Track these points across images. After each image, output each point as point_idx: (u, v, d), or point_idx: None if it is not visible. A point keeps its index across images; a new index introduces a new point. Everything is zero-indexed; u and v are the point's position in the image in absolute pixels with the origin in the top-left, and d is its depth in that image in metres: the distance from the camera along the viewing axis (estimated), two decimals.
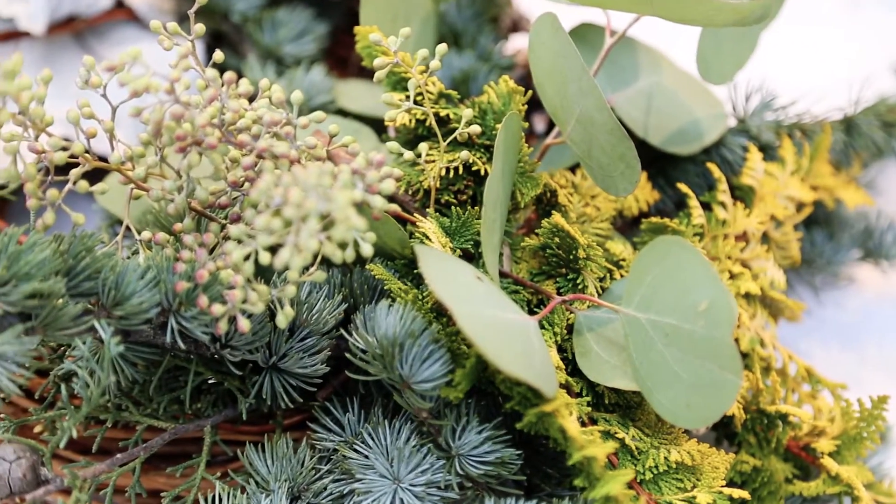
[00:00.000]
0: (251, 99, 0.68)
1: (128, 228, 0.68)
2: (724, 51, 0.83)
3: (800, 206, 0.90)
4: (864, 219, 0.98)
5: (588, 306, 0.73)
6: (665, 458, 0.69)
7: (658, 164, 0.88)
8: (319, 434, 0.73)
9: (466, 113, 0.74)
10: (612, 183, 0.74)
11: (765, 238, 0.87)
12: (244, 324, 0.63)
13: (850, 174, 0.96)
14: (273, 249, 0.62)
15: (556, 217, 0.73)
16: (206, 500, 0.69)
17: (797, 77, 1.04)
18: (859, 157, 0.96)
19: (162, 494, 0.71)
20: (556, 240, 0.74)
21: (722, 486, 0.69)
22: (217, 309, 0.63)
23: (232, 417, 0.74)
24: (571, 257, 0.74)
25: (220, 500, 0.69)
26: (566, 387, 0.70)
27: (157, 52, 0.73)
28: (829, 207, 0.92)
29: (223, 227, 0.68)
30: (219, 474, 0.74)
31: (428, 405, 0.67)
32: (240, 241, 0.63)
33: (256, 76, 0.95)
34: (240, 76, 0.95)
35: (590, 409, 0.69)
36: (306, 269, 0.66)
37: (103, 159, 0.67)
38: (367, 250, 0.61)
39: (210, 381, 0.73)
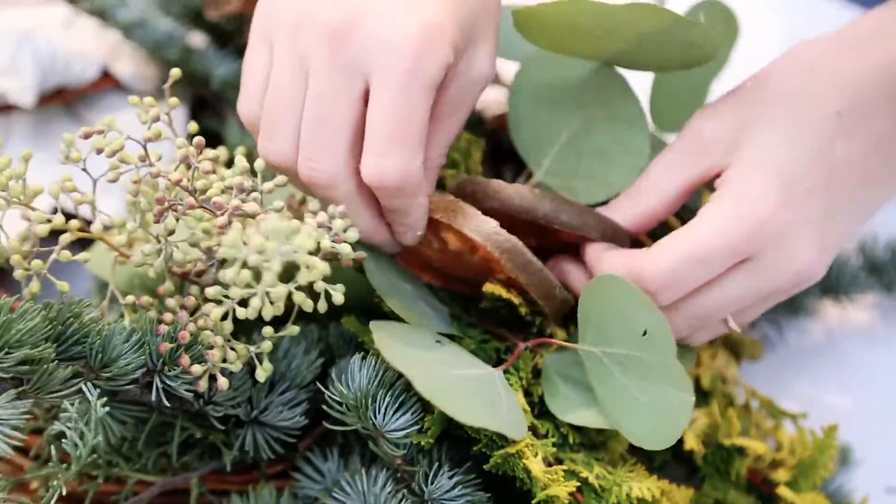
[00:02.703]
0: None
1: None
2: (677, 101, 0.87)
3: None
4: None
5: (553, 349, 0.76)
6: (627, 494, 0.72)
7: None
8: (301, 483, 0.76)
9: None
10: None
11: None
12: (223, 382, 0.67)
13: None
14: (247, 303, 0.65)
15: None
16: None
17: None
18: None
19: None
20: (501, 303, 0.77)
21: None
22: (196, 369, 0.67)
23: (218, 469, 0.78)
24: (520, 314, 0.77)
25: None
26: (532, 429, 0.74)
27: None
28: None
29: (202, 289, 0.71)
30: None
31: (401, 452, 0.70)
32: (219, 302, 0.67)
33: (236, 138, 0.99)
34: (222, 139, 1.00)
35: (555, 449, 0.73)
36: (283, 324, 0.70)
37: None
38: (339, 299, 0.64)
39: (196, 436, 0.77)
